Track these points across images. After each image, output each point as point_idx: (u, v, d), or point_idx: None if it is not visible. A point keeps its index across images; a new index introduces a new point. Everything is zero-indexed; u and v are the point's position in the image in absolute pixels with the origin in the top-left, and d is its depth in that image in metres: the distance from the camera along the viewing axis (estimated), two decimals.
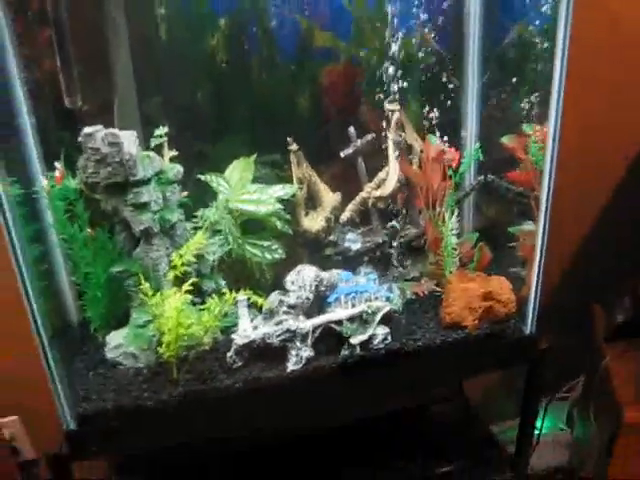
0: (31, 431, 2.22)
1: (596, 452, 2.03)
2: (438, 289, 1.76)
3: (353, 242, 1.75)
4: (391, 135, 1.67)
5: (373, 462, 1.89)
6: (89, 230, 1.60)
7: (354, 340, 1.58)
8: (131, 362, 1.61)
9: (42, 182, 1.53)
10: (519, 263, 1.75)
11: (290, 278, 1.59)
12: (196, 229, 1.66)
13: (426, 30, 1.64)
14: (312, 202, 1.75)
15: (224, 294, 1.53)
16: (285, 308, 1.58)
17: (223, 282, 1.67)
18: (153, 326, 1.59)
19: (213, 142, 1.71)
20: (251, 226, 1.69)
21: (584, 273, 2.36)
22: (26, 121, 1.54)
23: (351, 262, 1.74)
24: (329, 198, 1.74)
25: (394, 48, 1.64)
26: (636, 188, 2.28)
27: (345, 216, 1.74)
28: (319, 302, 1.61)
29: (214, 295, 1.55)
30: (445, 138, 1.70)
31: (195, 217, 1.67)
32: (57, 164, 1.56)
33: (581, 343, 2.22)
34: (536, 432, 2.39)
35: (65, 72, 1.57)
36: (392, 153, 1.69)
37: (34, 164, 1.59)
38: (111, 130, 1.48)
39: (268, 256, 1.68)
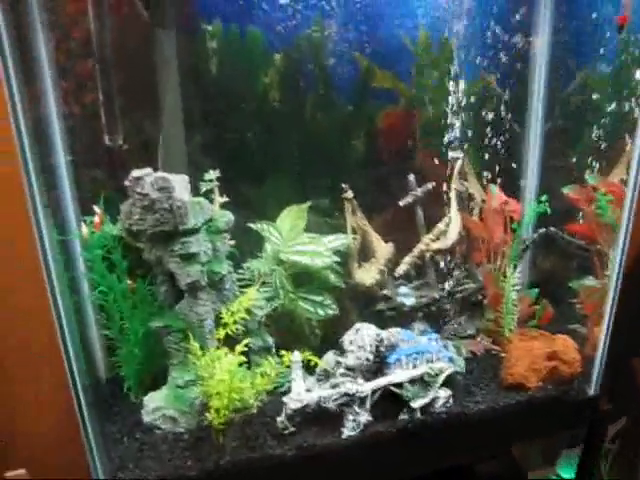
0: None
1: None
2: (495, 347, 1.66)
3: (406, 297, 1.64)
4: (454, 184, 1.58)
5: None
6: (129, 281, 1.47)
7: (415, 404, 1.47)
8: (170, 426, 1.47)
9: (81, 227, 1.40)
10: (579, 319, 1.67)
11: (348, 337, 1.48)
12: (241, 281, 1.54)
13: (490, 75, 1.56)
14: (364, 253, 1.64)
15: (280, 355, 1.40)
16: (343, 370, 1.46)
17: (270, 339, 1.55)
18: (196, 387, 1.46)
19: (260, 187, 1.58)
20: (298, 279, 1.58)
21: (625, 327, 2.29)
22: (61, 159, 1.42)
23: (405, 318, 1.64)
24: (382, 249, 1.63)
25: (457, 94, 1.55)
26: None
27: (402, 269, 1.63)
28: (377, 362, 1.50)
29: (268, 356, 1.43)
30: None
31: (241, 268, 1.55)
32: (96, 208, 1.43)
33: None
34: None
35: (107, 107, 1.45)
36: (454, 203, 1.60)
37: (68, 207, 1.46)
38: (162, 174, 1.35)
39: (321, 312, 1.56)
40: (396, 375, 1.48)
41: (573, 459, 2.37)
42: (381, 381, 1.47)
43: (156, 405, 1.48)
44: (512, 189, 1.65)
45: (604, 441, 1.77)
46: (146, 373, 1.55)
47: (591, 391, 1.59)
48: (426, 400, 1.48)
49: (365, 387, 1.45)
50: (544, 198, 1.55)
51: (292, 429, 1.46)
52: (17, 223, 1.13)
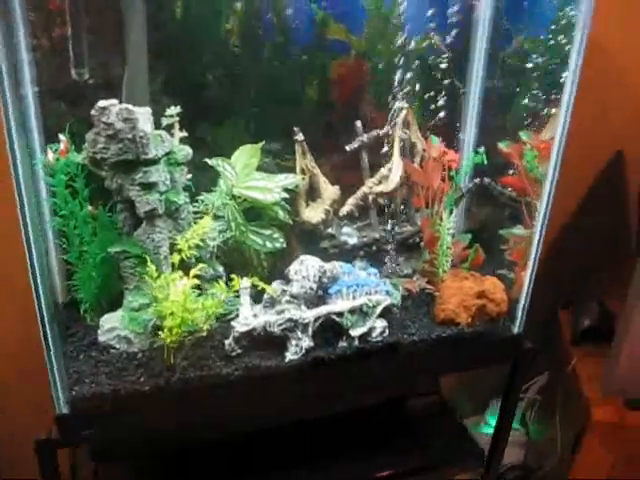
0: None
1: (558, 450, 2.12)
2: (430, 287, 1.79)
3: (349, 236, 1.76)
4: (398, 132, 1.70)
5: (344, 457, 1.91)
6: (90, 207, 1.55)
7: (354, 332, 1.60)
8: (125, 346, 1.56)
9: (48, 154, 1.47)
10: (508, 265, 1.82)
11: (294, 268, 1.59)
12: (196, 213, 1.64)
13: (435, 32, 1.68)
14: (311, 193, 1.75)
15: (231, 280, 1.51)
16: (288, 297, 1.57)
17: (221, 269, 1.65)
18: (150, 310, 1.56)
19: (217, 126, 1.68)
20: (249, 214, 1.68)
21: (551, 280, 2.47)
22: (28, 90, 1.49)
23: (347, 256, 1.75)
24: (329, 191, 1.74)
25: (405, 47, 1.67)
26: (603, 198, 2.41)
27: (345, 210, 1.75)
28: (320, 293, 1.62)
29: (219, 281, 1.54)
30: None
31: (196, 201, 1.64)
32: (62, 136, 1.51)
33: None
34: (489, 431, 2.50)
35: (75, 42, 1.52)
36: (397, 150, 1.71)
37: (34, 136, 1.53)
38: (127, 106, 1.43)
39: (269, 245, 1.67)
40: (337, 305, 1.60)
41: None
42: (323, 309, 1.59)
43: (111, 326, 1.57)
44: (452, 142, 1.78)
45: (524, 383, 1.91)
46: (102, 297, 1.64)
47: (515, 330, 1.74)
48: (364, 329, 1.60)
49: (308, 314, 1.57)
50: (482, 149, 1.68)
51: (239, 351, 1.56)
52: None
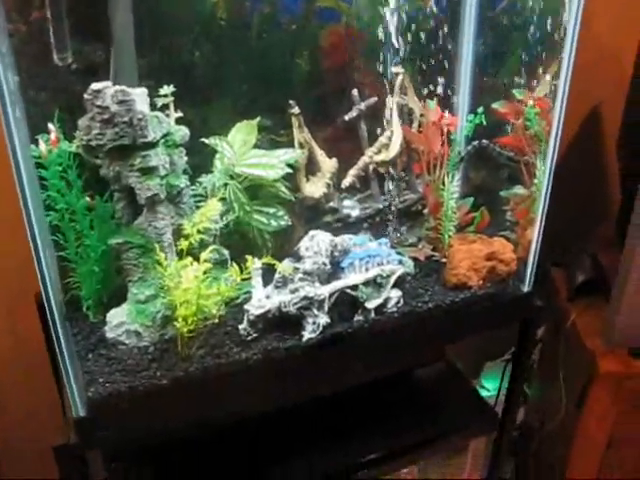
0: None
1: (563, 407, 2.14)
2: (435, 253, 1.77)
3: (352, 209, 1.72)
4: (395, 98, 1.66)
5: (361, 431, 1.89)
6: (88, 199, 1.47)
7: (370, 304, 1.56)
8: (135, 340, 1.49)
9: (40, 145, 1.38)
10: (511, 226, 1.81)
11: (304, 244, 1.54)
12: (195, 196, 1.58)
13: None
14: (310, 168, 1.70)
15: (239, 263, 1.45)
16: (301, 275, 1.52)
17: (226, 252, 1.59)
18: (159, 301, 1.50)
19: (210, 104, 1.61)
20: (249, 193, 1.63)
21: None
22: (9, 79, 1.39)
23: (350, 228, 1.71)
24: (327, 164, 1.69)
25: (395, 13, 1.63)
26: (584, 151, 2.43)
27: (347, 181, 1.70)
28: (332, 268, 1.58)
29: (232, 264, 1.48)
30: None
31: (193, 184, 1.57)
32: (51, 126, 1.42)
33: None
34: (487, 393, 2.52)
35: (56, 25, 1.43)
36: (396, 117, 1.68)
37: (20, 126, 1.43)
38: (122, 87, 1.36)
39: (274, 223, 1.61)
40: (351, 278, 1.56)
41: (496, 370, 2.57)
42: (338, 284, 1.55)
43: (119, 321, 1.49)
44: (446, 105, 1.76)
45: (534, 342, 1.92)
46: (104, 292, 1.56)
47: (525, 288, 1.74)
48: (380, 300, 1.57)
49: (323, 290, 1.53)
50: (480, 110, 1.66)
51: (255, 335, 1.52)
52: None
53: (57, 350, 1.32)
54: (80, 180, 1.46)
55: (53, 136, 1.41)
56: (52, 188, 1.43)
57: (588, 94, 2.32)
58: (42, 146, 1.39)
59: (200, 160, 1.59)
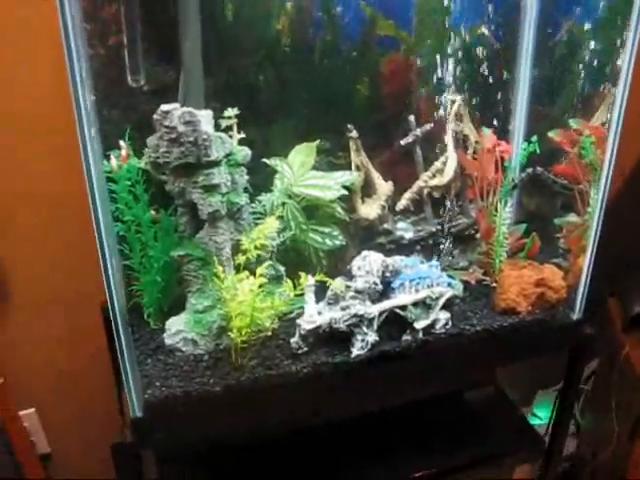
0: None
1: (615, 438, 2.12)
2: (486, 278, 1.80)
3: (405, 231, 1.77)
4: (451, 125, 1.71)
5: (410, 450, 1.93)
6: (153, 212, 1.57)
7: (418, 325, 1.60)
8: (191, 348, 1.57)
9: (111, 161, 1.48)
10: (563, 253, 1.82)
11: (357, 263, 1.59)
12: (254, 214, 1.65)
13: (484, 25, 1.69)
14: (366, 190, 1.76)
15: (296, 279, 1.52)
16: (352, 293, 1.57)
17: (282, 268, 1.66)
18: (215, 311, 1.57)
19: (271, 126, 1.69)
20: (306, 213, 1.69)
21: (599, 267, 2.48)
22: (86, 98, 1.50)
23: (404, 250, 1.76)
24: (383, 187, 1.75)
25: (454, 41, 1.68)
26: None
27: (402, 204, 1.75)
28: (381, 288, 1.63)
29: (286, 280, 1.54)
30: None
31: (254, 202, 1.65)
32: (122, 143, 1.52)
33: None
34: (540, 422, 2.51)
35: (130, 49, 1.53)
36: (451, 142, 1.72)
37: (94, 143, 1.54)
38: (189, 109, 1.45)
39: (329, 242, 1.68)
40: (401, 298, 1.61)
41: (548, 399, 2.55)
42: (387, 303, 1.59)
43: (177, 329, 1.58)
44: (502, 133, 1.79)
45: (583, 371, 1.91)
46: (164, 301, 1.65)
47: (575, 316, 1.74)
48: (428, 321, 1.61)
49: (373, 308, 1.57)
50: (534, 139, 1.69)
51: (305, 349, 1.58)
52: None
53: (119, 354, 1.40)
54: (147, 194, 1.56)
55: (124, 152, 1.51)
56: (121, 201, 1.53)
57: None
58: (113, 161, 1.49)
59: (262, 179, 1.67)
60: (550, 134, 1.76)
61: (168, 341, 1.58)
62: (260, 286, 1.51)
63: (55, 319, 2.05)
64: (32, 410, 2.15)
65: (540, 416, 2.58)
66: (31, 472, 2.16)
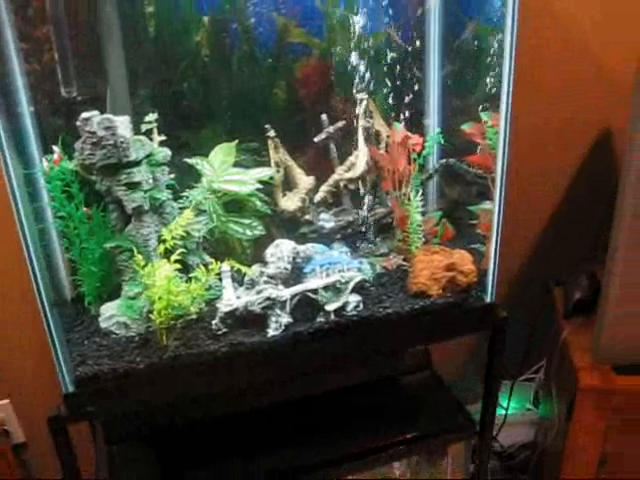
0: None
1: (557, 422, 2.18)
2: (405, 263, 1.91)
3: (326, 221, 1.90)
4: (360, 121, 1.84)
5: (343, 430, 2.03)
6: (85, 209, 1.75)
7: (329, 307, 1.73)
8: (123, 331, 1.74)
9: (43, 164, 1.67)
10: (479, 239, 1.92)
11: (269, 251, 1.74)
12: (182, 209, 1.81)
13: (392, 27, 1.82)
14: (289, 185, 1.91)
15: (210, 264, 1.67)
16: (265, 278, 1.72)
17: (208, 257, 1.82)
18: (144, 297, 1.73)
19: (196, 130, 1.86)
20: (230, 207, 1.85)
21: (543, 256, 2.54)
22: (25, 109, 1.70)
23: (325, 239, 1.90)
24: (304, 181, 1.89)
25: (362, 44, 1.81)
26: (592, 174, 2.48)
27: (319, 196, 1.90)
28: (296, 274, 1.76)
29: (201, 266, 1.70)
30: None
31: (181, 199, 1.81)
32: (55, 147, 1.71)
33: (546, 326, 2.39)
34: (503, 412, 2.57)
35: (62, 64, 1.72)
36: (361, 138, 1.86)
37: (32, 148, 1.74)
38: (106, 115, 1.63)
39: (249, 232, 1.83)
40: (312, 282, 1.74)
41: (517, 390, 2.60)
42: (298, 287, 1.73)
43: (110, 313, 1.75)
44: (420, 128, 1.91)
45: (502, 353, 1.96)
46: (103, 290, 1.82)
47: (487, 299, 1.83)
48: (339, 304, 1.73)
49: (285, 292, 1.71)
50: (438, 130, 1.80)
51: (224, 330, 1.72)
52: None
53: (48, 335, 1.58)
54: (82, 193, 1.74)
55: (56, 156, 1.70)
56: (56, 200, 1.71)
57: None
58: (45, 164, 1.68)
59: (192, 177, 1.85)
60: (462, 127, 1.87)
61: (103, 325, 1.75)
62: (185, 273, 1.68)
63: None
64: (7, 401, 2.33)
65: (503, 406, 2.64)
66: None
